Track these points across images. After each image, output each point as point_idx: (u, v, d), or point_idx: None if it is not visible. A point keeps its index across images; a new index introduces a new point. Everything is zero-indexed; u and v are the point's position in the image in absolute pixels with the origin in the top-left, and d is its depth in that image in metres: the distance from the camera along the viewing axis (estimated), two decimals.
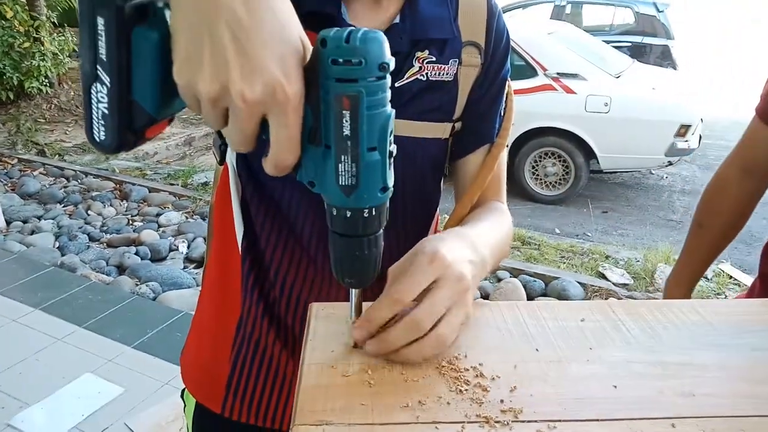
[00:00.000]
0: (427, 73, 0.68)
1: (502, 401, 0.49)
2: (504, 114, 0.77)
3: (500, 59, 0.74)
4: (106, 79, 0.40)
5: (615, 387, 0.51)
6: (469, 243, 0.59)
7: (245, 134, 0.40)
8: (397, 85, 0.67)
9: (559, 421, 0.47)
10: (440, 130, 0.72)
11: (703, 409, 0.49)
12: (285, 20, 0.39)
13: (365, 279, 0.48)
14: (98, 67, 0.40)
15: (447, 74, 0.69)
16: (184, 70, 0.39)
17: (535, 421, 0.47)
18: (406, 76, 0.67)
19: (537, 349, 0.56)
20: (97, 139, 0.43)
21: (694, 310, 0.64)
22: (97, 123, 0.42)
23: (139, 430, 1.99)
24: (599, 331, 0.59)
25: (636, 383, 0.52)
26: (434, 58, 0.68)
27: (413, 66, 0.68)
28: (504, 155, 0.77)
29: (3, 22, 5.82)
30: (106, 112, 0.41)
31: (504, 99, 0.77)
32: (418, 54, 0.68)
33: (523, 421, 0.47)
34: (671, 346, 0.57)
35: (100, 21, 0.38)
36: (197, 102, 0.40)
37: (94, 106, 0.41)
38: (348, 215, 0.44)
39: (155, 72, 0.41)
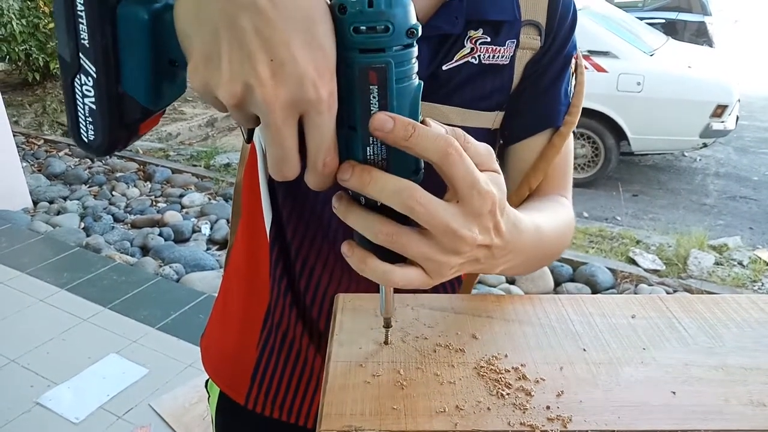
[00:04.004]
0: (479, 56, 0.60)
1: (548, 407, 0.44)
2: (572, 97, 0.67)
3: (564, 36, 0.64)
4: (90, 68, 0.36)
5: (673, 393, 0.46)
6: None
7: (283, 146, 0.35)
8: (444, 68, 0.59)
9: (614, 431, 0.42)
10: (489, 120, 0.64)
11: None
12: (312, 8, 0.34)
13: None
14: (81, 55, 0.35)
15: (503, 57, 0.61)
16: (200, 71, 0.34)
17: (587, 431, 0.42)
18: (455, 59, 0.59)
19: (584, 349, 0.51)
20: (85, 140, 0.38)
21: (756, 306, 0.58)
22: (84, 121, 0.37)
23: (163, 412, 2.00)
24: (653, 330, 0.54)
25: (697, 389, 0.47)
26: (489, 39, 0.59)
27: (464, 47, 0.59)
28: (570, 143, 0.67)
29: (28, 2, 5.85)
30: (93, 107, 0.37)
31: (570, 78, 0.67)
32: (471, 33, 0.59)
33: (573, 431, 0.42)
34: (733, 347, 0.52)
35: None
36: (221, 104, 0.35)
37: (79, 102, 0.37)
38: (379, 203, 0.39)
39: (146, 57, 0.36)
